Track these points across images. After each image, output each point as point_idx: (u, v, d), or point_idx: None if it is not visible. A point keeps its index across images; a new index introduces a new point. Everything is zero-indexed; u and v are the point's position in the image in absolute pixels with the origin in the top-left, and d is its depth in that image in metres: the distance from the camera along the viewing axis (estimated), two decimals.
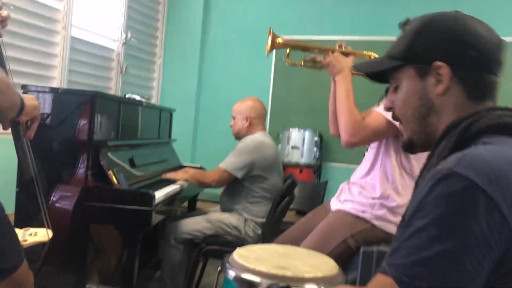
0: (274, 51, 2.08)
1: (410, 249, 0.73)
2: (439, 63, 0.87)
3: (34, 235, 1.35)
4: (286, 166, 3.93)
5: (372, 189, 1.82)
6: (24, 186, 2.09)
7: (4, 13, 1.29)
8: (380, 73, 0.98)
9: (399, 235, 0.76)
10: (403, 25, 1.88)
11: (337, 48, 1.94)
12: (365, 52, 1.98)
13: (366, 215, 1.79)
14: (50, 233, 1.38)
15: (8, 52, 2.79)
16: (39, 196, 1.37)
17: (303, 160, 3.98)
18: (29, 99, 1.21)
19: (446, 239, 0.70)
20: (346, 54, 1.90)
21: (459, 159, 0.74)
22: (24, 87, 2.17)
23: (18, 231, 1.23)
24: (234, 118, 2.76)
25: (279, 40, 1.98)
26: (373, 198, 1.79)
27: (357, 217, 1.80)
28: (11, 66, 2.85)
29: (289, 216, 3.33)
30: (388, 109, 0.99)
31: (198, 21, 4.46)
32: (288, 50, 2.01)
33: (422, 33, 0.90)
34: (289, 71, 4.19)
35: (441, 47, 0.88)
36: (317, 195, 3.40)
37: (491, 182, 0.70)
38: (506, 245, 0.71)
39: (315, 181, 4.01)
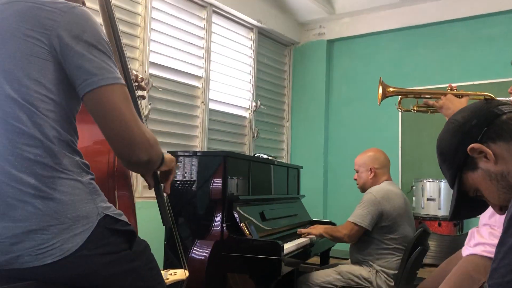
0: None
1: (507, 267, 0.73)
2: (469, 148, 0.98)
3: (174, 275, 1.55)
4: (423, 219, 3.75)
5: (501, 225, 1.69)
6: (169, 239, 2.37)
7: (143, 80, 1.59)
8: (463, 195, 1.08)
9: (496, 254, 0.77)
10: None
11: (448, 90, 1.94)
12: (478, 92, 1.95)
13: None
14: (187, 273, 1.57)
15: (157, 127, 3.29)
16: (176, 241, 1.57)
17: (441, 213, 3.76)
18: (166, 154, 1.42)
19: None
20: (458, 96, 1.89)
21: None
22: (169, 152, 2.53)
23: (161, 272, 1.42)
24: (357, 171, 2.79)
25: (390, 89, 2.04)
26: None
27: (490, 259, 1.67)
28: (160, 138, 3.31)
29: (428, 272, 3.13)
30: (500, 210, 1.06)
31: (321, 82, 4.68)
32: (399, 98, 2.06)
33: (443, 154, 1.07)
34: (418, 121, 4.11)
35: (458, 146, 1.02)
36: (457, 248, 3.15)
37: None
38: None
39: (456, 234, 3.73)
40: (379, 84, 2.05)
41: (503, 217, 1.84)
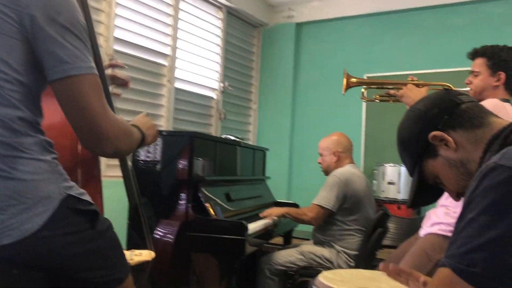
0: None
1: (463, 239, 0.77)
2: (430, 135, 1.00)
3: (139, 255, 1.53)
4: (383, 202, 3.86)
5: (456, 205, 1.77)
6: (133, 218, 2.34)
7: (119, 61, 1.55)
8: (423, 183, 1.10)
9: (454, 230, 0.80)
10: (471, 55, 1.94)
11: (409, 81, 2.02)
12: (437, 83, 2.03)
13: None
14: (152, 254, 1.56)
15: (121, 105, 3.22)
16: (142, 221, 1.56)
17: (401, 196, 3.88)
18: (141, 118, 1.43)
19: (496, 225, 0.73)
20: (418, 85, 1.96)
21: (503, 153, 0.79)
22: None
23: (126, 252, 1.40)
24: (321, 154, 2.84)
25: (353, 80, 2.10)
26: None
27: (445, 238, 1.76)
28: (124, 117, 3.25)
29: (387, 253, 3.23)
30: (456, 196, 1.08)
31: (289, 65, 4.68)
32: (363, 88, 2.12)
33: (404, 141, 1.10)
34: (381, 107, 4.18)
35: (419, 134, 1.04)
36: (415, 230, 3.27)
37: None
38: None
39: (414, 217, 3.86)
40: (343, 76, 2.11)
41: None
